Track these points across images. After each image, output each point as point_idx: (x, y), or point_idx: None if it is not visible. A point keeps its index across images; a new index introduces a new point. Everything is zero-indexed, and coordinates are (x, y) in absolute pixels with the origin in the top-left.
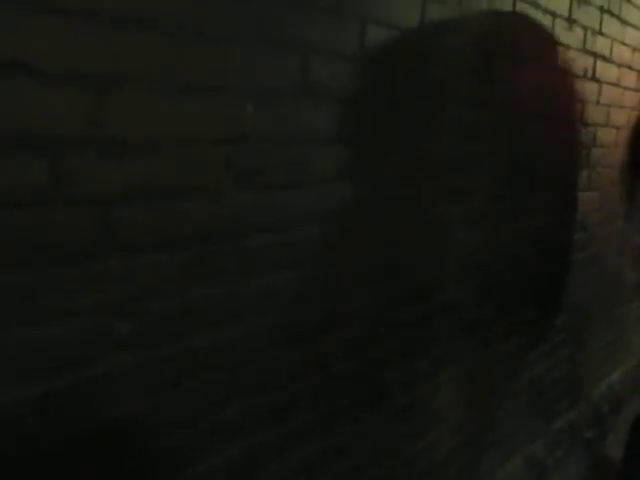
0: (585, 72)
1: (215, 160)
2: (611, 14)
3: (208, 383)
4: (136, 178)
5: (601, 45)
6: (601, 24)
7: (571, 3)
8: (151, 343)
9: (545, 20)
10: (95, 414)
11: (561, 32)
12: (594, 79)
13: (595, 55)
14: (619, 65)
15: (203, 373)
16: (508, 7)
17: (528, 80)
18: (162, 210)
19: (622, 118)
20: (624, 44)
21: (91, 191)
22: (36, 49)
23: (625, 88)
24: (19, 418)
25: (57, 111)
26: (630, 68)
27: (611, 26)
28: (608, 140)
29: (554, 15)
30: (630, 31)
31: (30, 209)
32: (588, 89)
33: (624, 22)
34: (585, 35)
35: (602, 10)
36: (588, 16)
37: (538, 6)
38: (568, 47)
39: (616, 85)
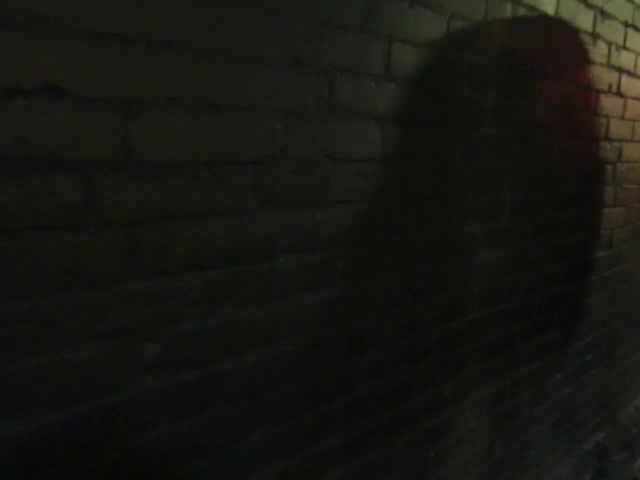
0: (610, 87)
1: (242, 181)
2: (635, 28)
3: (234, 408)
4: (164, 200)
5: (625, 60)
6: (625, 39)
7: (595, 18)
8: (178, 367)
9: None
10: (121, 439)
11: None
12: (619, 94)
13: (619, 70)
14: None
15: (229, 398)
16: (533, 22)
17: (553, 95)
18: (189, 232)
19: None
20: None
21: (121, 213)
22: (69, 73)
23: None
24: (47, 442)
25: (89, 134)
26: None
27: (635, 40)
28: (634, 155)
29: (578, 30)
30: None
31: (61, 232)
32: (613, 104)
33: None
34: (609, 50)
35: (626, 24)
36: (612, 31)
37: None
38: (592, 62)
39: None
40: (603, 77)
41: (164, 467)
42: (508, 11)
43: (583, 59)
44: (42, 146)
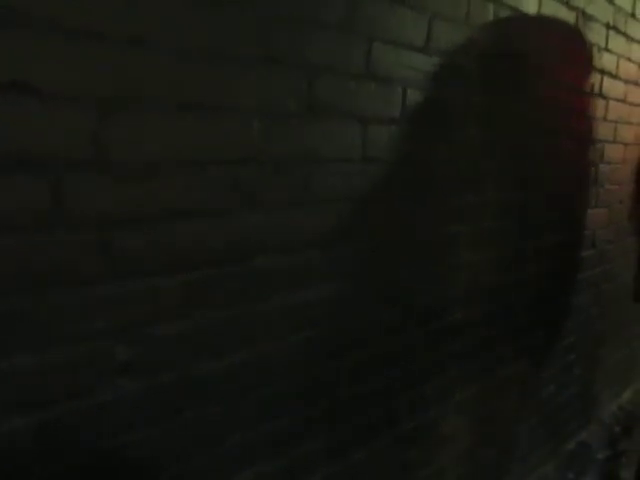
0: (592, 88)
1: (220, 181)
2: (617, 30)
3: (212, 411)
4: (139, 200)
5: (607, 61)
6: (607, 40)
7: (577, 20)
8: (152, 370)
9: None
10: (93, 444)
11: None
12: (601, 95)
13: (602, 72)
14: (625, 81)
15: (207, 401)
16: (515, 23)
17: (537, 96)
18: (165, 232)
19: (629, 134)
20: (630, 60)
21: (92, 214)
22: (38, 70)
23: (632, 104)
24: (17, 448)
25: (58, 132)
26: (636, 84)
27: (617, 42)
28: (616, 157)
29: (561, 31)
30: (636, 47)
31: (30, 232)
32: (595, 105)
33: (630, 38)
34: None
35: (608, 26)
36: (594, 33)
37: None
38: (576, 63)
39: (623, 101)
40: None
41: (139, 472)
42: (490, 12)
43: (567, 60)
44: (8, 143)
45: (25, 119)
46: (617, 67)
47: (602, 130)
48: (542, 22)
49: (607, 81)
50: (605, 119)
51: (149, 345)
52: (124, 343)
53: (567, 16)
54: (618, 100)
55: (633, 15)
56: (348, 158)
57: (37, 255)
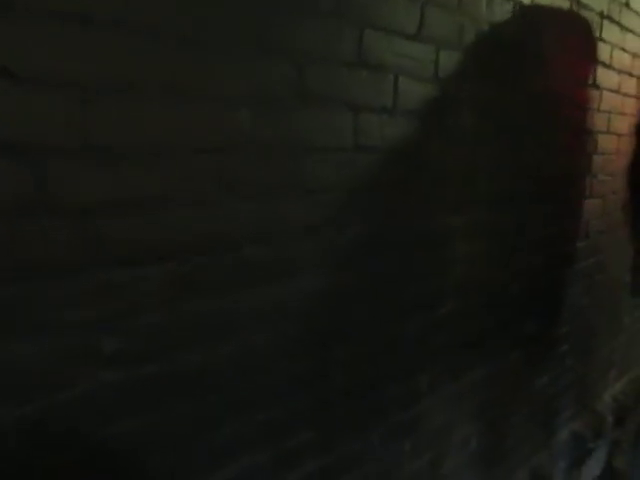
0: (587, 79)
1: (206, 169)
2: (611, 20)
3: (198, 403)
4: (123, 188)
5: (601, 51)
6: (601, 30)
7: (570, 8)
8: (138, 361)
9: None
10: (78, 435)
11: None
12: (595, 86)
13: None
14: (619, 72)
15: (193, 392)
16: (507, 12)
17: (531, 86)
18: (150, 221)
19: (623, 125)
20: (624, 50)
21: (75, 201)
22: (18, 54)
23: (625, 95)
24: None
25: (41, 118)
26: (630, 75)
27: (611, 32)
28: (609, 147)
29: (556, 19)
30: (630, 37)
31: (11, 219)
32: (590, 96)
33: (624, 28)
34: None
35: (602, 16)
36: None
37: None
38: (570, 53)
39: (616, 92)
40: None
41: (125, 464)
42: None
43: (561, 50)
44: None
45: (7, 105)
46: (611, 57)
47: (596, 120)
48: (541, 11)
49: (601, 71)
50: (599, 109)
51: (136, 336)
52: (110, 334)
53: (561, 4)
54: (612, 91)
55: (627, 4)
56: (339, 147)
57: (19, 243)
